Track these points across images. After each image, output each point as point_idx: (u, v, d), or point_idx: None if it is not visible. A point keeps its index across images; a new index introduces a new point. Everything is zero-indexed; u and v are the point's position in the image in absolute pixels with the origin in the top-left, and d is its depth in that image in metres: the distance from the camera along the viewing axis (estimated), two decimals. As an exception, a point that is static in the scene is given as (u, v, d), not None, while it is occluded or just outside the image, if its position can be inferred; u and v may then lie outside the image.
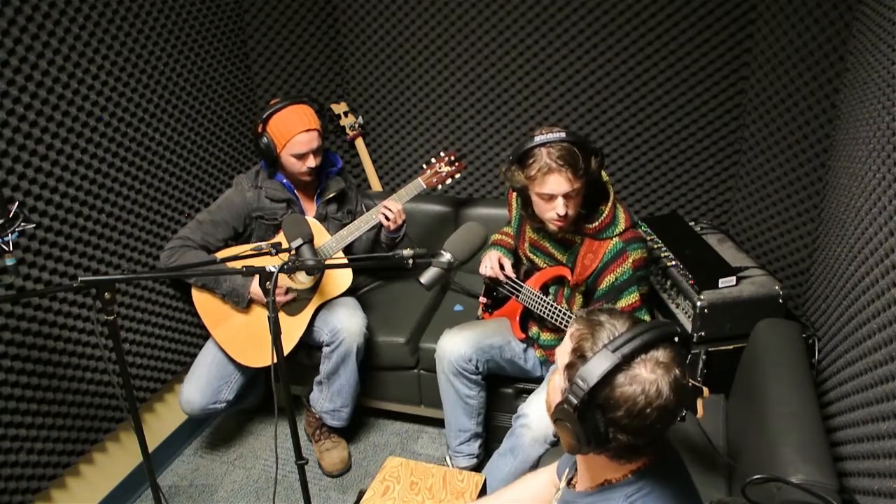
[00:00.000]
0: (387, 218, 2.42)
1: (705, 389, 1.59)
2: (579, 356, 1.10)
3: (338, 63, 3.04)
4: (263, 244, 1.78)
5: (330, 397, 2.49)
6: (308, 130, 2.34)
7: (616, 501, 1.15)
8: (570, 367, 1.11)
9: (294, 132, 2.33)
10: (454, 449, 2.40)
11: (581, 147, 1.87)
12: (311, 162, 2.38)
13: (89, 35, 2.09)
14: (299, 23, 2.90)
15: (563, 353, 1.15)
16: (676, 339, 1.11)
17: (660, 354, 1.07)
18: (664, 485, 1.15)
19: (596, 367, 1.05)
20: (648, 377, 1.05)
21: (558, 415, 1.11)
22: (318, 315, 2.45)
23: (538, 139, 1.88)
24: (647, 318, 2.06)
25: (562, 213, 1.92)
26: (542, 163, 1.86)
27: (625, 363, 1.05)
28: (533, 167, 1.88)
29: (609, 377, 1.05)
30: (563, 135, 1.87)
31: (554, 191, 1.89)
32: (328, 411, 2.52)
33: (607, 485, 1.18)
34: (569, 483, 1.34)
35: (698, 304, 2.15)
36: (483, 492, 1.88)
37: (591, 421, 1.07)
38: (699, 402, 1.59)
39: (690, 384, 1.57)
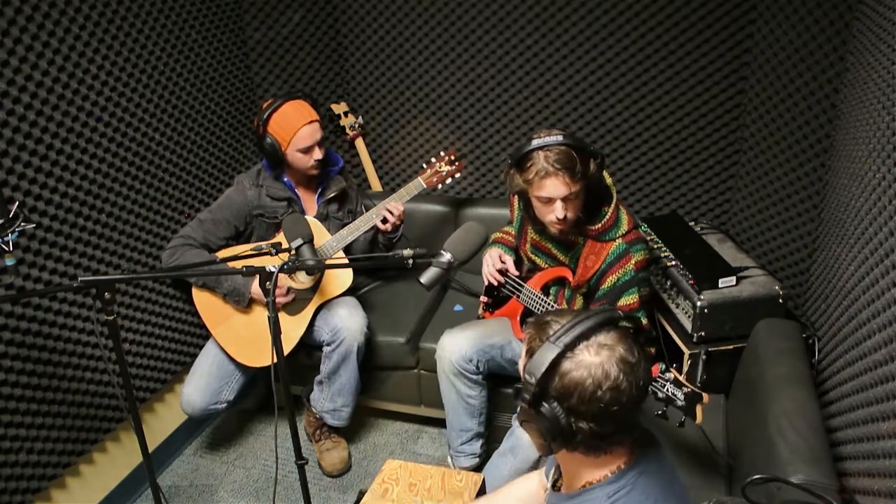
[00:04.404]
0: (387, 219, 2.42)
1: (705, 395, 1.59)
2: (531, 355, 1.13)
3: (338, 63, 3.04)
4: (263, 244, 1.78)
5: (331, 397, 2.49)
6: (310, 123, 2.35)
7: (598, 501, 1.16)
8: (525, 368, 1.14)
9: (297, 127, 2.33)
10: (456, 449, 2.40)
11: (579, 150, 1.87)
12: (318, 154, 2.38)
13: (89, 35, 2.09)
14: (299, 22, 2.89)
15: (522, 358, 1.19)
16: (625, 323, 1.14)
17: (602, 338, 1.10)
18: (646, 482, 1.16)
19: (539, 360, 1.08)
20: (593, 360, 1.08)
21: (521, 416, 1.15)
22: (318, 314, 2.45)
23: (535, 143, 1.88)
24: (644, 320, 2.06)
25: (560, 216, 1.92)
26: (540, 166, 1.86)
27: (568, 350, 1.08)
28: (531, 171, 1.88)
29: (555, 367, 1.08)
30: (560, 138, 1.86)
31: (552, 194, 1.89)
32: (329, 411, 2.52)
33: (588, 486, 1.18)
34: (554, 485, 1.34)
35: (698, 304, 2.15)
36: (482, 491, 1.89)
37: (549, 414, 1.10)
38: (699, 409, 1.59)
39: (690, 389, 1.57)
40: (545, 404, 1.10)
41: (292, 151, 2.37)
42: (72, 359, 2.11)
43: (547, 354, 1.08)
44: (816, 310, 2.18)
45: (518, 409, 1.15)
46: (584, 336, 1.09)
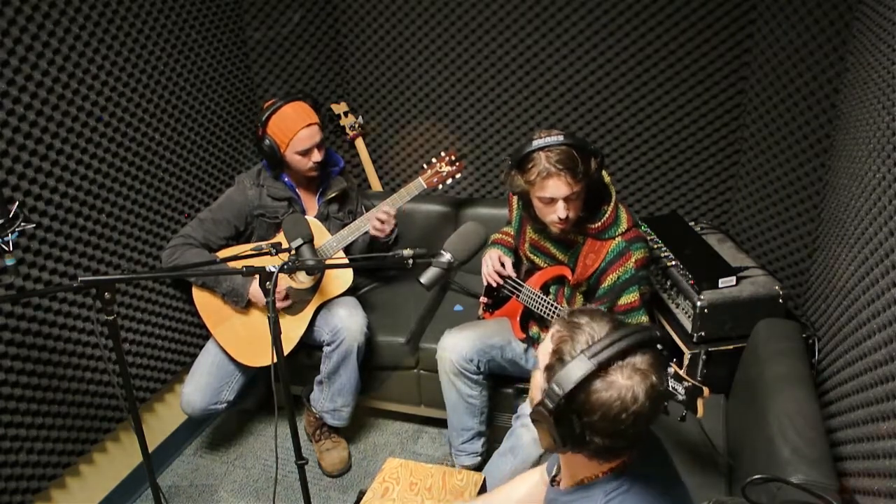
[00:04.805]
0: (381, 222, 2.41)
1: (706, 389, 1.59)
2: (558, 359, 1.10)
3: (338, 63, 3.04)
4: (263, 244, 1.78)
5: (331, 397, 2.49)
6: (309, 125, 2.35)
7: (595, 499, 1.16)
8: (549, 370, 1.12)
9: (295, 129, 2.33)
10: (457, 448, 2.40)
11: (580, 150, 1.87)
12: (317, 156, 2.38)
13: (89, 35, 2.09)
14: (299, 22, 2.89)
15: (543, 353, 1.16)
16: (659, 345, 1.11)
17: (637, 360, 1.07)
18: (644, 481, 1.16)
19: (572, 374, 1.06)
20: (625, 384, 1.06)
21: (535, 416, 1.12)
22: (318, 314, 2.45)
23: (536, 143, 1.88)
24: (643, 319, 2.06)
25: (563, 216, 1.92)
26: (542, 167, 1.86)
27: (601, 369, 1.06)
28: (532, 172, 1.88)
29: (585, 383, 1.06)
30: (561, 138, 1.86)
31: (554, 195, 1.89)
32: (329, 411, 2.52)
33: (587, 482, 1.18)
34: (553, 480, 1.34)
35: (698, 304, 2.15)
36: (483, 491, 1.89)
37: (567, 424, 1.08)
38: (699, 402, 1.59)
39: (691, 383, 1.57)
40: (563, 415, 1.08)
41: (291, 153, 2.37)
42: (72, 359, 2.11)
43: (579, 370, 1.05)
44: (816, 310, 2.18)
45: (533, 409, 1.12)
46: (621, 356, 1.07)
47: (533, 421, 1.14)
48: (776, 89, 2.39)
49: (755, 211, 2.60)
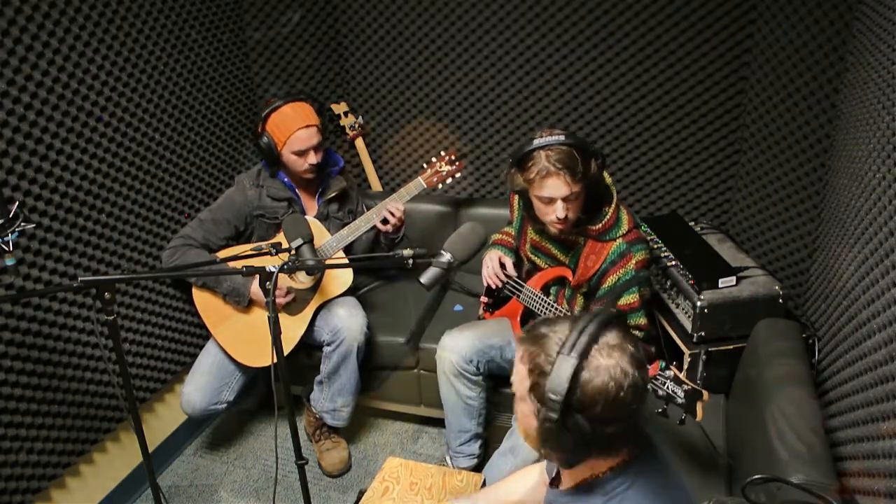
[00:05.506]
0: (387, 220, 2.42)
1: (705, 393, 1.59)
2: (539, 373, 1.10)
3: (338, 63, 3.04)
4: (263, 244, 1.79)
5: (331, 397, 2.49)
6: (307, 126, 2.35)
7: (597, 498, 1.16)
8: (535, 387, 1.11)
9: (293, 129, 2.33)
10: (455, 449, 2.40)
11: (580, 150, 1.87)
12: (313, 158, 2.38)
13: (89, 35, 2.09)
14: (299, 22, 2.89)
15: (520, 380, 1.16)
16: (617, 320, 1.14)
17: (609, 338, 1.10)
18: (644, 478, 1.16)
19: (561, 375, 1.06)
20: (608, 363, 1.07)
21: (544, 435, 1.11)
22: (318, 314, 2.45)
23: (537, 142, 1.88)
24: (642, 321, 2.06)
25: (561, 216, 1.92)
26: (541, 166, 1.86)
27: (583, 359, 1.07)
28: (532, 170, 1.88)
29: (576, 379, 1.06)
30: (562, 137, 1.86)
31: (552, 194, 1.89)
32: (328, 411, 2.52)
33: (588, 482, 1.19)
34: (552, 482, 1.35)
35: (698, 304, 2.15)
36: (483, 492, 1.89)
37: (576, 427, 1.08)
38: (699, 406, 1.59)
39: (690, 387, 1.58)
40: (569, 419, 1.08)
41: (287, 153, 2.37)
42: (72, 359, 2.11)
43: (565, 368, 1.06)
44: (816, 310, 2.18)
45: (538, 430, 1.12)
46: (594, 340, 1.09)
47: (543, 443, 1.13)
48: (776, 89, 2.39)
49: (755, 211, 2.60)
